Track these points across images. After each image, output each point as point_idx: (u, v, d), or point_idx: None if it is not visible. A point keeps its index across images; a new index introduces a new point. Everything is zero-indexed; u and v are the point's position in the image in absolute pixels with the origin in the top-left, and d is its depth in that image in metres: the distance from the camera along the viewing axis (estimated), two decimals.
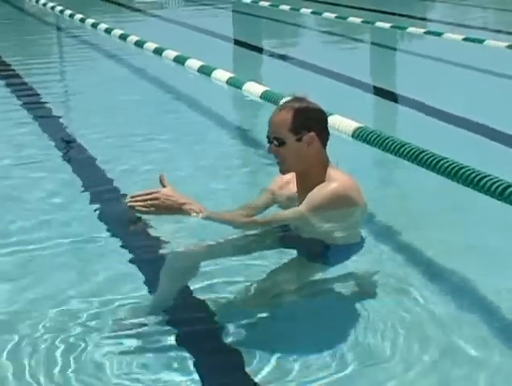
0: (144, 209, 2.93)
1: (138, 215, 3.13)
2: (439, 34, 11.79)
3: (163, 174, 3.03)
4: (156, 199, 2.91)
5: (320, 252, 3.16)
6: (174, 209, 2.93)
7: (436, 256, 3.62)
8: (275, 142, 3.12)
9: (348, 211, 3.11)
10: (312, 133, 3.11)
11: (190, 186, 4.62)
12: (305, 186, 3.13)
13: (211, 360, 2.83)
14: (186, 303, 3.16)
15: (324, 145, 3.18)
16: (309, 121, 3.12)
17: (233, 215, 3.18)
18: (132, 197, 2.96)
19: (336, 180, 3.09)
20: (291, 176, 3.27)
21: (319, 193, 3.06)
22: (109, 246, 3.79)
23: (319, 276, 3.26)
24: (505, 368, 2.74)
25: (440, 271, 3.49)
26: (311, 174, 3.13)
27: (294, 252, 3.23)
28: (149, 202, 2.91)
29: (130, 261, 3.61)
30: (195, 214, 2.93)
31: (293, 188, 3.26)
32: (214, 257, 3.26)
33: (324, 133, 3.17)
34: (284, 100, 3.32)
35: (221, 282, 3.32)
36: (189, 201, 2.96)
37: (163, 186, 2.97)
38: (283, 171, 3.21)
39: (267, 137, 3.16)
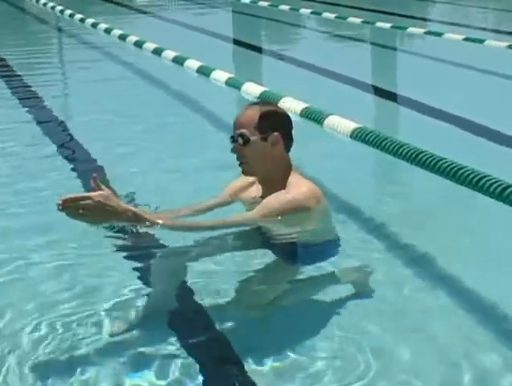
0: (77, 214, 2.60)
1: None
2: (439, 35, 11.78)
3: (94, 175, 2.72)
4: (90, 202, 2.60)
5: (293, 252, 3.17)
6: (115, 217, 2.67)
7: (434, 256, 3.61)
8: (240, 140, 3.10)
9: (306, 214, 3.09)
10: (277, 134, 3.11)
11: (188, 186, 4.62)
12: (269, 191, 3.11)
13: (208, 360, 2.81)
14: (181, 304, 3.13)
15: (288, 150, 3.17)
16: (276, 122, 3.13)
17: (179, 221, 3.09)
18: (64, 200, 2.60)
19: (294, 188, 3.08)
20: (254, 179, 3.26)
21: (273, 201, 3.06)
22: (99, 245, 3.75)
23: (316, 276, 3.26)
24: (506, 370, 2.71)
25: (439, 272, 3.48)
26: (274, 179, 3.11)
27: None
28: (83, 205, 2.58)
29: (126, 262, 3.59)
30: (147, 223, 2.78)
31: (256, 191, 3.24)
32: (200, 256, 3.23)
33: (288, 138, 3.17)
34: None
35: (214, 286, 3.29)
36: (133, 209, 2.75)
37: (99, 189, 2.67)
38: (246, 172, 3.20)
39: (231, 137, 3.15)
